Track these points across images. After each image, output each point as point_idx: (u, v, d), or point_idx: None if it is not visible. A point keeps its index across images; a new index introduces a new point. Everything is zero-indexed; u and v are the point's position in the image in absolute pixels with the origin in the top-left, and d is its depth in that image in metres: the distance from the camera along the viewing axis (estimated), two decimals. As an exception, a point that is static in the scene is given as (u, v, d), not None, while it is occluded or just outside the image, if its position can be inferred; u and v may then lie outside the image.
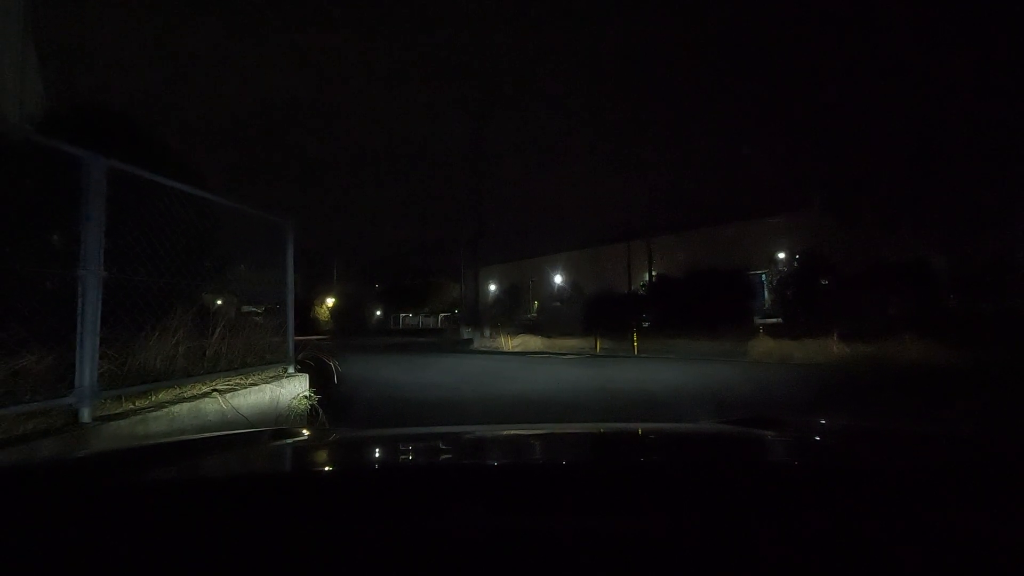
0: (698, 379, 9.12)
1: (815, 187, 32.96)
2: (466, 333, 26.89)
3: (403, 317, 49.93)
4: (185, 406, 2.77)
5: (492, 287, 42.18)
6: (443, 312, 46.81)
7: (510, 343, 20.82)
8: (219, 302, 4.20)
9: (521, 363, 13.66)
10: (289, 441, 1.23)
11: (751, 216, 33.63)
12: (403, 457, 1.12)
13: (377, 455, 1.13)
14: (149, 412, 2.57)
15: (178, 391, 2.91)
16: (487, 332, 24.27)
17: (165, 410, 2.64)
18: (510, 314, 33.24)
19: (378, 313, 46.75)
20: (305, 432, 1.28)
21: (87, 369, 2.32)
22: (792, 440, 1.23)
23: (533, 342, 20.74)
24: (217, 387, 3.05)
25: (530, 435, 1.38)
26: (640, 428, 1.74)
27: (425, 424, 4.67)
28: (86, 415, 2.29)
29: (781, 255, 29.31)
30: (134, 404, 2.63)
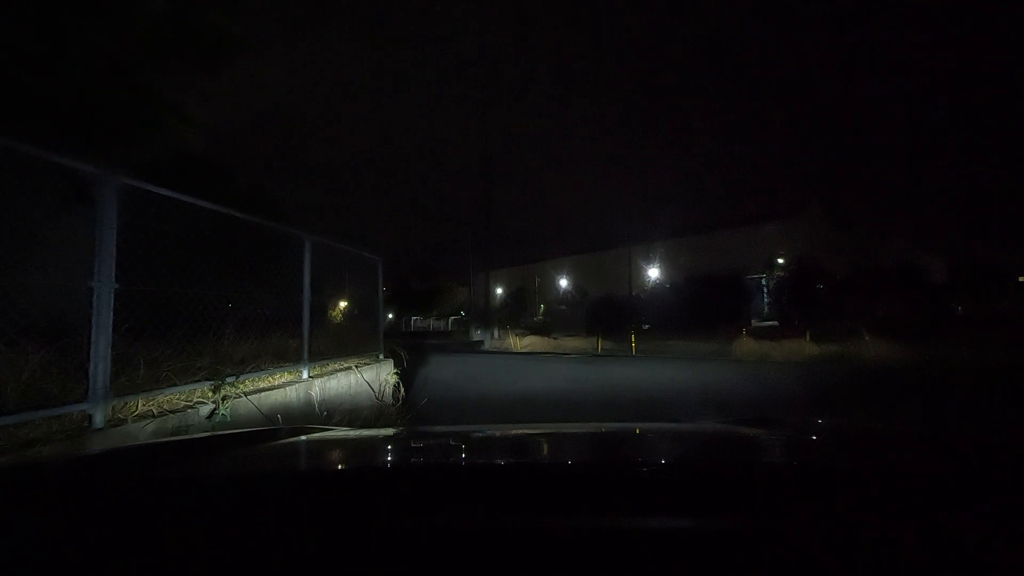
0: (680, 374, 10.91)
1: (811, 193, 34.26)
2: (476, 335, 28.18)
3: (414, 320, 51.70)
4: (342, 374, 4.72)
5: (499, 290, 43.65)
6: (452, 315, 48.47)
7: (519, 344, 22.40)
8: (341, 308, 6.11)
9: (530, 362, 15.42)
10: (291, 440, 1.25)
11: (749, 222, 34.98)
12: (406, 457, 1.14)
13: (381, 454, 1.18)
14: (329, 375, 4.51)
15: (335, 365, 4.85)
16: (496, 334, 25.64)
17: (334, 375, 4.59)
18: (517, 316, 34.93)
19: (390, 316, 48.54)
20: (309, 431, 1.37)
21: (305, 349, 4.26)
22: (790, 440, 1.24)
23: (540, 343, 22.46)
24: (355, 364, 5.01)
25: (532, 435, 1.42)
26: (640, 428, 1.79)
27: (462, 406, 6.43)
28: (305, 374, 4.24)
29: (780, 260, 30.54)
30: (320, 370, 4.57)
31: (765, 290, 26.29)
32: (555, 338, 22.77)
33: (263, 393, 3.59)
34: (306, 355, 4.24)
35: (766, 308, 24.94)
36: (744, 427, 1.45)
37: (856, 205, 32.11)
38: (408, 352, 8.33)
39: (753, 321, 22.46)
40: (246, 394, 3.39)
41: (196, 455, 1.10)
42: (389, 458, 1.15)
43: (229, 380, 3.10)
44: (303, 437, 1.30)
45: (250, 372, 3.57)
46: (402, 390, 5.97)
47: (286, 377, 4.06)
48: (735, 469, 0.91)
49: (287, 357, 4.20)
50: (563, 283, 40.85)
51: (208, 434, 1.62)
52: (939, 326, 14.57)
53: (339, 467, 1.06)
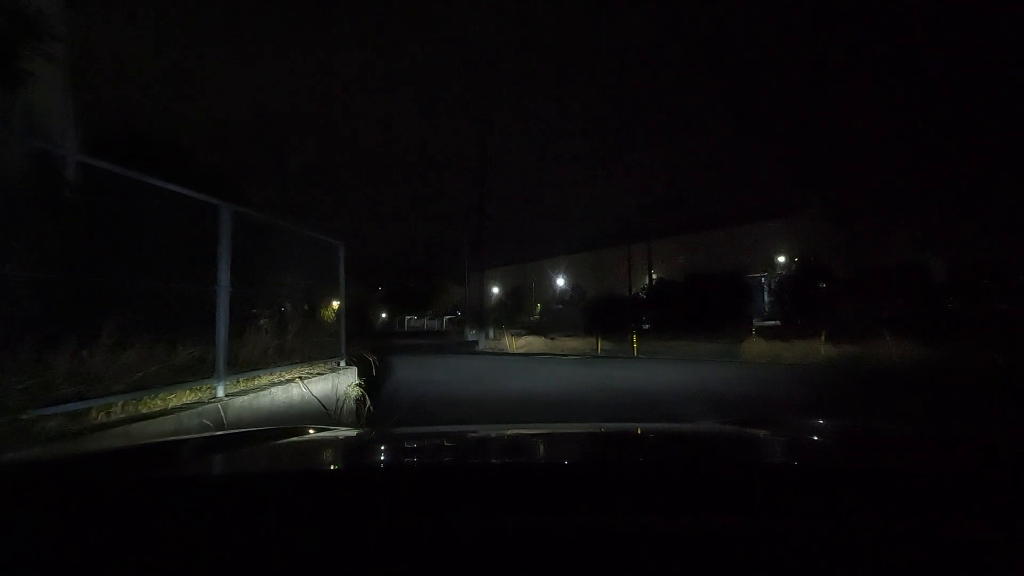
0: (687, 377, 9.91)
1: (813, 191, 33.64)
2: (471, 335, 27.31)
3: (408, 319, 50.75)
4: (279, 389, 3.64)
5: (495, 289, 42.81)
6: (446, 314, 47.54)
7: (515, 344, 21.42)
8: (289, 306, 5.03)
9: (526, 363, 14.43)
10: (288, 440, 1.25)
11: (750, 220, 34.27)
12: (405, 457, 1.14)
13: (379, 454, 1.16)
14: (258, 392, 3.44)
15: (271, 377, 3.78)
16: (492, 334, 24.81)
17: (267, 391, 3.51)
18: (513, 316, 34.00)
19: (383, 315, 47.50)
20: (310, 431, 1.35)
21: (221, 359, 3.18)
22: (790, 440, 1.24)
23: (537, 343, 21.44)
24: (300, 375, 3.93)
25: (531, 435, 1.40)
26: (639, 428, 1.75)
27: (448, 418, 5.52)
28: (221, 391, 3.16)
29: (781, 259, 29.79)
30: (246, 385, 3.49)
31: (767, 289, 25.78)
32: (552, 338, 21.76)
33: (143, 422, 2.54)
34: (222, 366, 3.16)
35: (768, 307, 24.50)
36: (744, 427, 1.41)
37: (858, 203, 31.28)
38: (397, 353, 7.37)
39: (755, 320, 21.76)
40: (110, 426, 2.33)
41: (195, 455, 1.09)
42: (387, 458, 1.11)
43: (34, 413, 2.02)
44: (301, 437, 1.29)
45: (119, 394, 2.50)
46: (368, 404, 4.91)
47: (190, 397, 2.99)
48: (735, 469, 0.90)
49: (200, 371, 3.14)
50: (561, 282, 40.02)
51: (208, 434, 1.59)
52: (944, 326, 13.87)
53: (337, 467, 1.06)
